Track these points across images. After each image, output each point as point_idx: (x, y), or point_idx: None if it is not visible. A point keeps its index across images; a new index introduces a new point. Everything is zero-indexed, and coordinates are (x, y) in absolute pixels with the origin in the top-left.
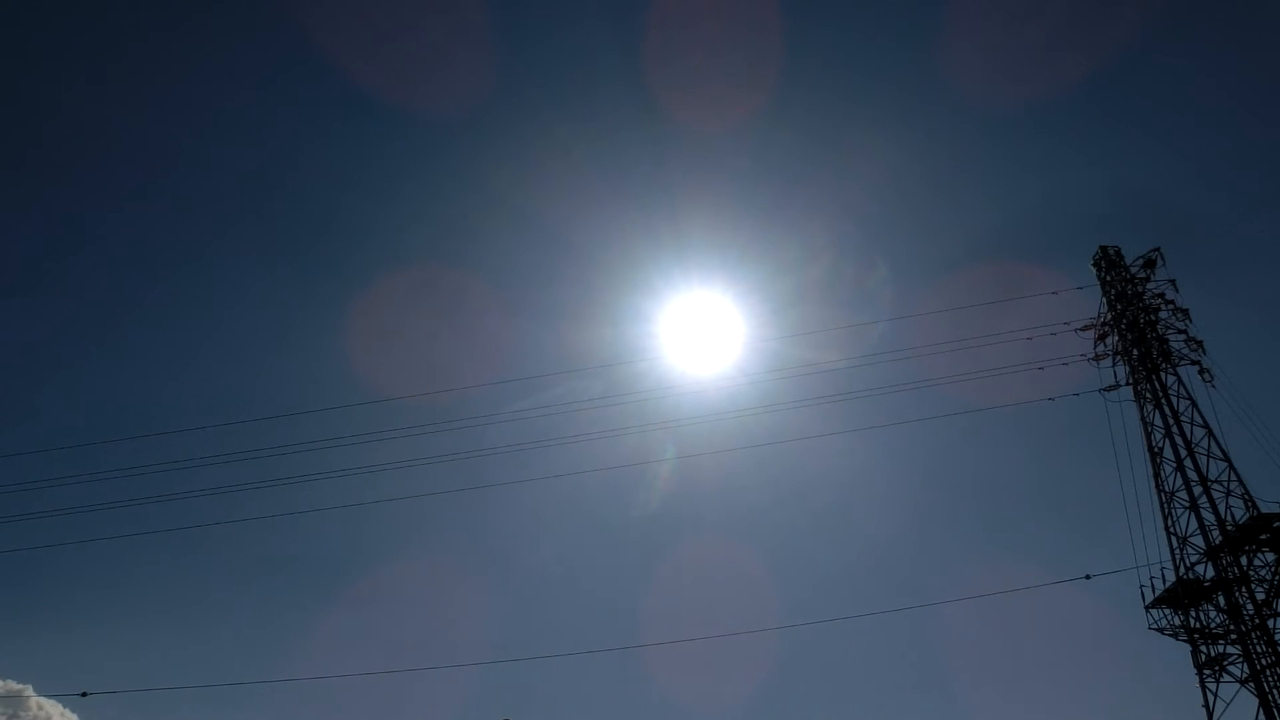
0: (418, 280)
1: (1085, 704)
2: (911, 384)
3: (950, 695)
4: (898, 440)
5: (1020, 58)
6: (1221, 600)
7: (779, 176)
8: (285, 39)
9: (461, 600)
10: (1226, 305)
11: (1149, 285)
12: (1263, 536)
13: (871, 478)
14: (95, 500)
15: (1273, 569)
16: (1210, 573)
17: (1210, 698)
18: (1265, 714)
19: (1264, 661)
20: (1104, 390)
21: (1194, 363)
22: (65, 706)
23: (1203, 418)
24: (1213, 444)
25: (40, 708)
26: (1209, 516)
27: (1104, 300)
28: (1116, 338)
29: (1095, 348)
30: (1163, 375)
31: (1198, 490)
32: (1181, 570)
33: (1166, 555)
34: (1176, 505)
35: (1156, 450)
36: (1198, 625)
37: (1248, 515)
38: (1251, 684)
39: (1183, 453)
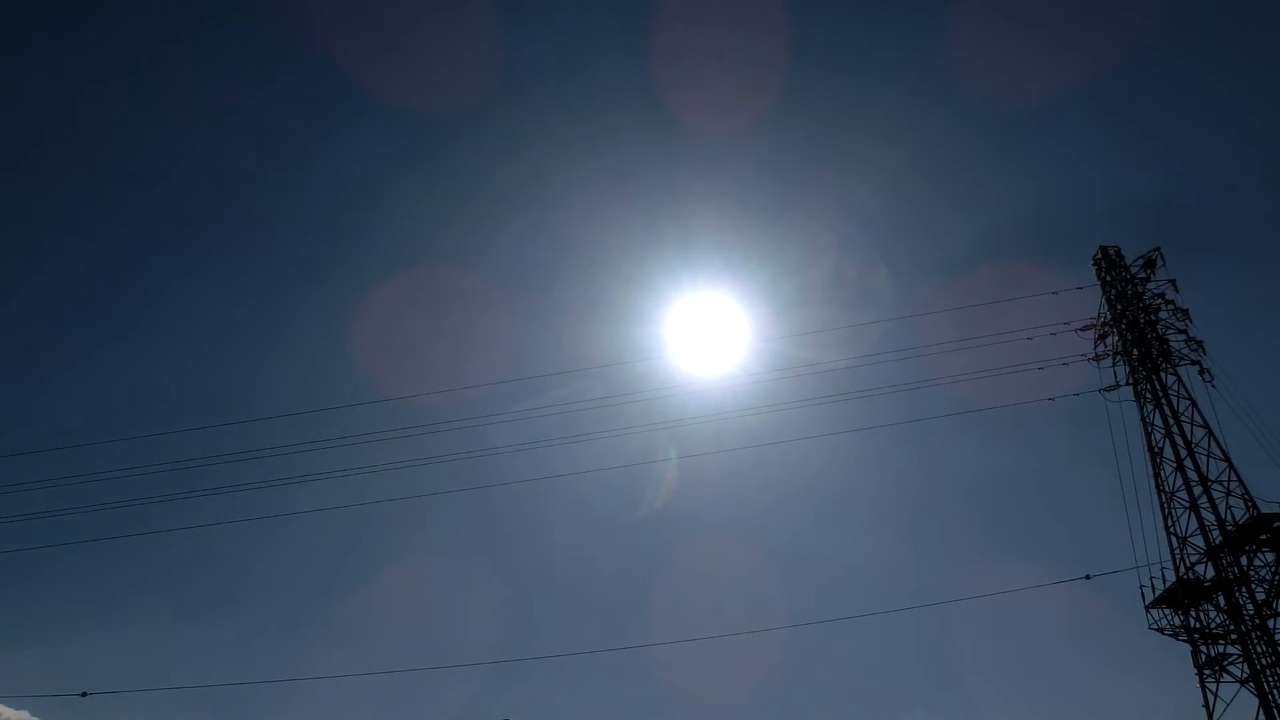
0: (422, 280)
1: (1085, 704)
2: (912, 384)
3: (949, 695)
4: (899, 440)
5: (1023, 59)
6: (1221, 600)
7: (784, 177)
8: (288, 38)
9: (466, 600)
10: (1226, 305)
11: (1149, 285)
12: (1263, 536)
13: (872, 478)
14: (95, 500)
15: (1273, 569)
16: (1210, 573)
17: (1210, 698)
18: (1265, 714)
19: (1264, 661)
20: (1104, 390)
21: (1194, 363)
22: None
23: (1203, 418)
24: (1213, 444)
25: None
26: (1209, 516)
27: (1104, 300)
28: (1116, 338)
29: (1095, 348)
30: (1163, 375)
31: (1198, 490)
32: (1181, 570)
33: (1166, 555)
34: (1176, 505)
35: (1156, 450)
36: (1198, 625)
37: (1248, 515)
38: (1251, 684)
39: (1183, 453)
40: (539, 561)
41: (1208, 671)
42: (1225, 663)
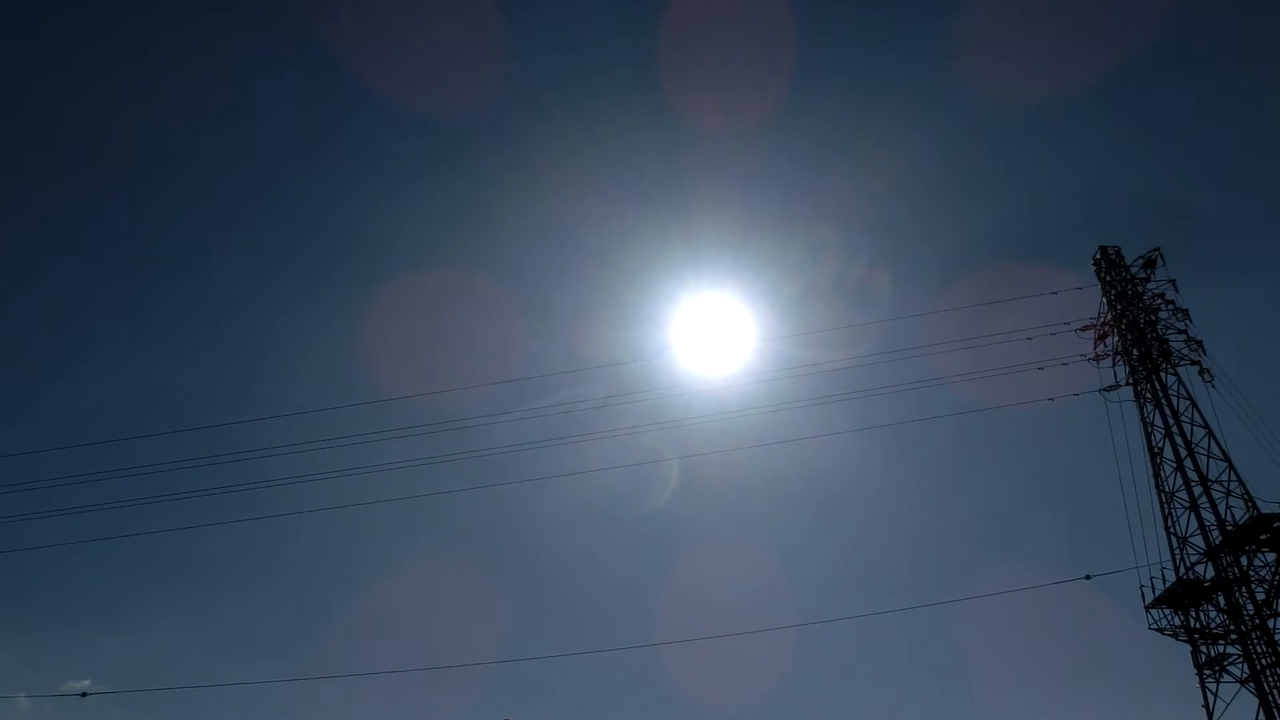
0: (427, 281)
1: (1085, 704)
2: (913, 384)
3: (949, 695)
4: (899, 440)
5: (1027, 62)
6: (1221, 600)
7: (790, 179)
8: (297, 40)
9: (471, 600)
10: (1226, 305)
11: (1149, 285)
12: (1263, 536)
13: (874, 478)
14: (96, 501)
15: (1273, 569)
16: (1210, 573)
17: (1210, 698)
18: (1265, 714)
19: (1264, 662)
20: (1104, 390)
21: (1194, 363)
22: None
23: (1203, 418)
24: (1213, 444)
25: None
26: (1209, 516)
27: (1104, 300)
28: (1116, 338)
29: (1095, 348)
30: (1163, 375)
31: (1198, 490)
32: (1181, 570)
33: (1166, 555)
34: (1176, 505)
35: (1157, 450)
36: (1198, 625)
37: (1248, 515)
38: (1251, 684)
39: (1183, 453)
40: (544, 561)
41: (1208, 671)
42: (1225, 663)
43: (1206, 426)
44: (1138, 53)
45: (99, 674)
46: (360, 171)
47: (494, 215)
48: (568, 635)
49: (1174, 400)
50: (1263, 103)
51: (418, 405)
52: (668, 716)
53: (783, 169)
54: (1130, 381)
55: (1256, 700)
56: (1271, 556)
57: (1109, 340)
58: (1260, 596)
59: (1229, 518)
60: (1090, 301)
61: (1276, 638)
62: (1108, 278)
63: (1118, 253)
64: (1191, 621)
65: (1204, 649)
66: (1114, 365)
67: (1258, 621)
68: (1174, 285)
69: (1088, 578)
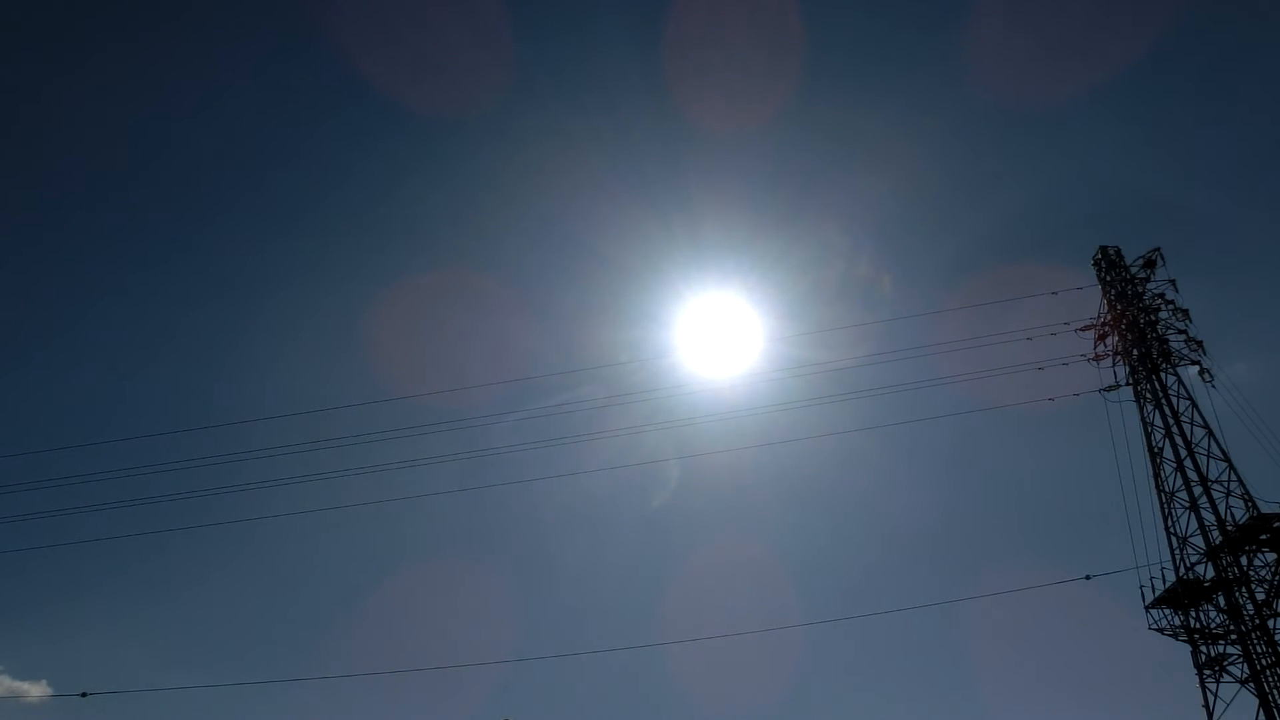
0: (431, 281)
1: (1085, 704)
2: (913, 384)
3: (949, 694)
4: (901, 440)
5: (1032, 64)
6: (1221, 600)
7: (795, 179)
8: (299, 34)
9: (476, 601)
10: (1226, 305)
11: (1149, 285)
12: (1263, 537)
13: (874, 478)
14: (99, 501)
15: (1273, 569)
16: (1210, 573)
17: (1210, 698)
18: (1265, 714)
19: (1264, 662)
20: (1104, 390)
21: (1194, 363)
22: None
23: (1203, 418)
24: (1213, 444)
25: None
26: (1209, 517)
27: (1104, 300)
28: (1116, 338)
29: (1095, 348)
30: (1163, 375)
31: (1198, 490)
32: (1181, 570)
33: (1166, 555)
34: (1177, 505)
35: (1157, 450)
36: (1198, 625)
37: (1248, 515)
38: (1251, 684)
39: (1183, 453)
40: (548, 561)
41: (1208, 671)
42: (1225, 663)
43: (1206, 426)
44: (1138, 55)
45: (99, 674)
46: (361, 169)
47: (497, 215)
48: (572, 636)
49: (1174, 400)
50: (1263, 103)
51: (421, 405)
52: (672, 717)
53: (787, 170)
54: (1130, 381)
55: (1256, 700)
56: (1271, 556)
57: (1109, 340)
58: (1260, 596)
59: (1229, 518)
60: (1090, 301)
61: (1276, 638)
62: (1108, 278)
63: (1118, 253)
64: (1191, 621)
65: (1204, 649)
66: (1114, 365)
67: (1258, 621)
68: (1174, 285)
69: (1088, 578)
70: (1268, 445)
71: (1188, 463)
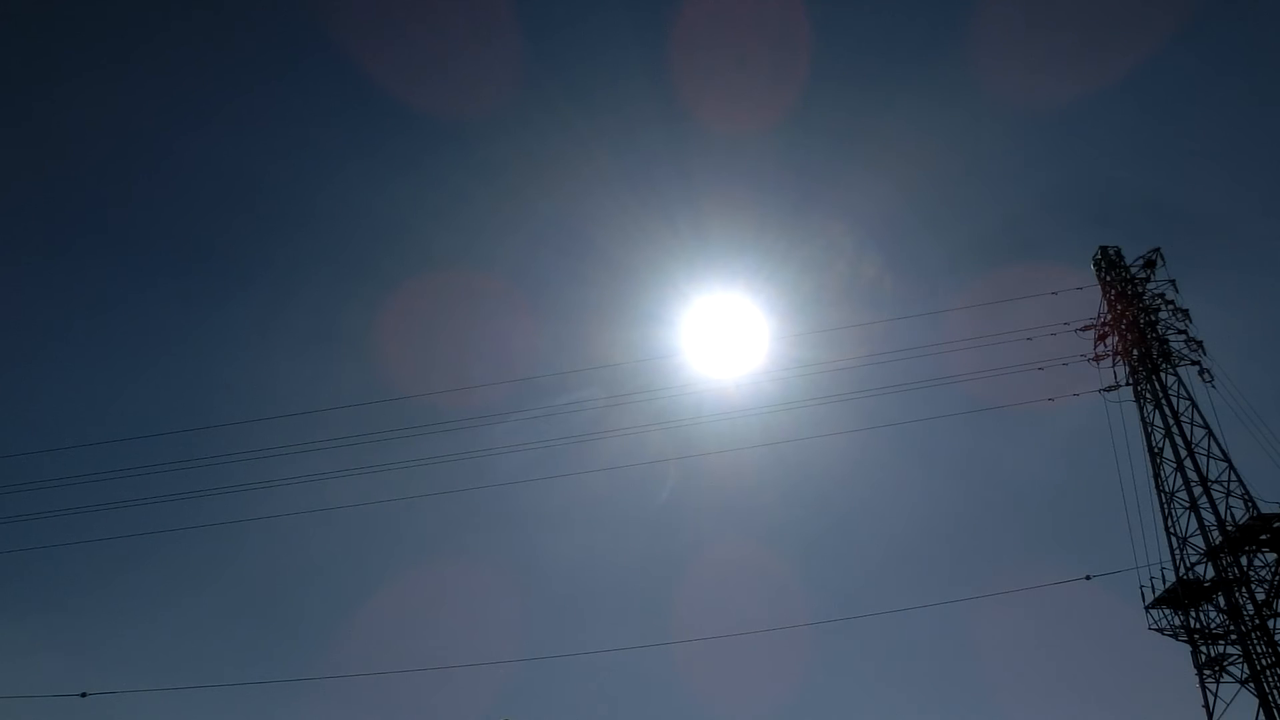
0: (437, 281)
1: (1085, 704)
2: (913, 384)
3: (949, 694)
4: (901, 440)
5: (1032, 65)
6: (1221, 601)
7: (802, 180)
8: (305, 36)
9: (479, 600)
10: (1226, 305)
11: (1149, 285)
12: (1263, 537)
13: (875, 478)
14: (105, 500)
15: (1273, 569)
16: (1210, 573)
17: (1210, 698)
18: (1265, 714)
19: (1264, 662)
20: (1104, 390)
21: (1194, 363)
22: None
23: (1203, 418)
24: (1213, 444)
25: None
26: (1209, 517)
27: (1104, 300)
28: (1116, 338)
29: (1095, 348)
30: (1163, 375)
31: (1198, 490)
32: (1181, 570)
33: (1166, 555)
34: (1177, 505)
35: (1157, 450)
36: (1198, 625)
37: (1248, 515)
38: (1251, 684)
39: (1183, 453)
40: (552, 561)
41: (1208, 672)
42: (1225, 663)
43: (1206, 427)
44: (1139, 57)
45: (98, 674)
46: (367, 170)
47: (504, 216)
48: (576, 636)
49: (1174, 400)
50: (1263, 103)
51: (425, 405)
52: (677, 718)
53: (793, 170)
54: (1130, 382)
55: (1256, 700)
56: (1271, 556)
57: (1109, 340)
58: (1260, 597)
59: (1229, 518)
60: (1090, 301)
61: (1276, 638)
62: (1108, 278)
63: (1118, 253)
64: (1191, 622)
65: (1204, 649)
66: (1114, 365)
67: (1258, 622)
68: (1174, 285)
69: (1088, 578)
70: (1268, 445)
71: (1188, 463)
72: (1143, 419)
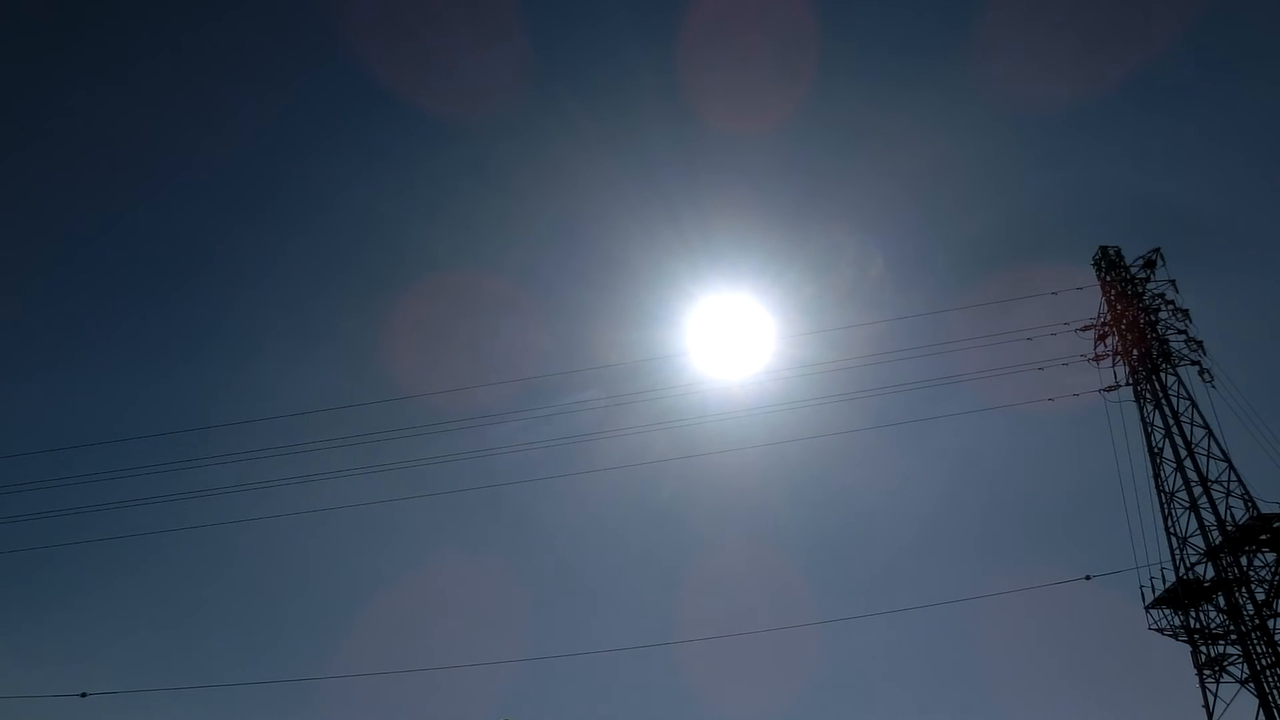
0: (444, 283)
1: (1085, 704)
2: (913, 385)
3: (949, 694)
4: (902, 440)
5: (1035, 67)
6: (1221, 601)
7: (807, 180)
8: (313, 39)
9: (487, 600)
10: (1226, 305)
11: (1149, 285)
12: (1263, 537)
13: (875, 478)
14: (114, 499)
15: (1273, 569)
16: (1210, 573)
17: (1210, 698)
18: (1265, 714)
19: (1264, 662)
20: (1104, 390)
21: (1194, 363)
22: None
23: (1203, 418)
24: (1213, 444)
25: None
26: (1209, 517)
27: (1104, 300)
28: (1116, 338)
29: (1095, 348)
30: (1163, 375)
31: (1198, 490)
32: (1181, 570)
33: (1166, 555)
34: (1177, 505)
35: (1157, 450)
36: (1198, 626)
37: (1248, 515)
38: (1251, 684)
39: (1183, 453)
40: (558, 561)
41: (1208, 672)
42: (1225, 663)
43: (1206, 427)
44: (1141, 58)
45: (98, 674)
46: (373, 172)
47: (510, 217)
48: (580, 636)
49: (1174, 400)
50: (1262, 103)
51: (431, 404)
52: (682, 717)
53: (799, 171)
54: (1130, 382)
55: (1256, 700)
56: (1271, 557)
57: (1109, 340)
58: (1260, 597)
59: (1229, 518)
60: (1090, 301)
61: (1276, 638)
62: (1108, 278)
63: (1118, 253)
64: (1191, 622)
65: (1204, 649)
66: (1114, 365)
67: (1258, 622)
68: (1174, 285)
69: (1088, 578)
70: (1268, 445)
71: (1188, 463)
72: (1143, 419)
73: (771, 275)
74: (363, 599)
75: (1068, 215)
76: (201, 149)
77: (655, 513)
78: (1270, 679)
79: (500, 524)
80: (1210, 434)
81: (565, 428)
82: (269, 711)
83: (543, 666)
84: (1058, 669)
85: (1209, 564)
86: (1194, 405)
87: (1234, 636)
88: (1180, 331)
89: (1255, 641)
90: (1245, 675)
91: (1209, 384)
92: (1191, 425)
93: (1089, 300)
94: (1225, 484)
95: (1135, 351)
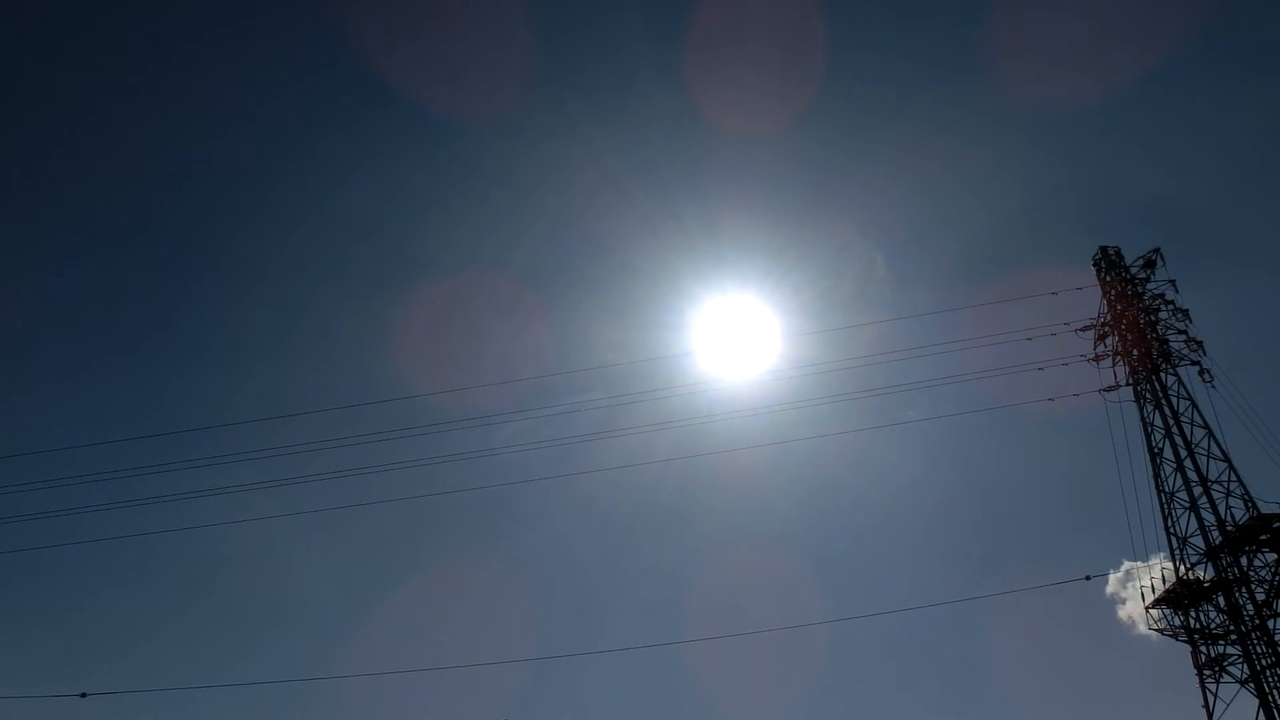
0: (449, 283)
1: (1085, 703)
2: (913, 385)
3: (949, 694)
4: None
5: (1037, 69)
6: (1221, 601)
7: (812, 181)
8: (318, 39)
9: (493, 600)
10: (1226, 305)
11: (1149, 285)
12: (1263, 537)
13: (877, 477)
14: (117, 499)
15: (1273, 569)
16: (1210, 573)
17: (1210, 698)
18: (1265, 714)
19: (1264, 662)
20: (1104, 390)
21: (1194, 363)
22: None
23: (1203, 418)
24: (1213, 444)
25: None
26: (1209, 517)
27: (1104, 300)
28: (1116, 338)
29: (1095, 348)
30: (1163, 375)
31: (1198, 490)
32: (1182, 570)
33: (1167, 555)
34: (1177, 505)
35: (1157, 450)
36: (1198, 626)
37: (1248, 516)
38: (1251, 684)
39: (1183, 453)
40: (564, 561)
41: (1208, 672)
42: (1225, 663)
43: (1206, 427)
44: (1143, 62)
45: (99, 674)
46: (378, 172)
47: (514, 216)
48: (585, 637)
49: (1174, 400)
50: (1263, 103)
51: (436, 404)
52: (688, 716)
53: (804, 173)
54: (1130, 382)
55: (1256, 700)
56: (1271, 557)
57: (1109, 340)
58: (1260, 597)
59: (1229, 518)
60: (1090, 301)
61: (1276, 638)
62: (1108, 278)
63: (1118, 253)
64: (1191, 621)
65: (1204, 649)
66: (1114, 365)
67: (1258, 622)
68: (1174, 285)
69: (1088, 578)
70: (1268, 445)
71: (1188, 463)
72: (1143, 419)
73: (776, 276)
74: (364, 599)
75: (1068, 215)
76: (201, 148)
77: (660, 513)
78: (1270, 679)
79: (504, 524)
80: (1210, 434)
81: (568, 428)
82: (270, 712)
83: (547, 667)
84: (1058, 668)
85: (1209, 564)
86: (1194, 405)
87: (1234, 636)
88: (1180, 331)
89: (1255, 641)
90: (1245, 675)
91: (1209, 384)
92: (1191, 425)
93: (1089, 300)
94: (1225, 484)
95: (1135, 351)
